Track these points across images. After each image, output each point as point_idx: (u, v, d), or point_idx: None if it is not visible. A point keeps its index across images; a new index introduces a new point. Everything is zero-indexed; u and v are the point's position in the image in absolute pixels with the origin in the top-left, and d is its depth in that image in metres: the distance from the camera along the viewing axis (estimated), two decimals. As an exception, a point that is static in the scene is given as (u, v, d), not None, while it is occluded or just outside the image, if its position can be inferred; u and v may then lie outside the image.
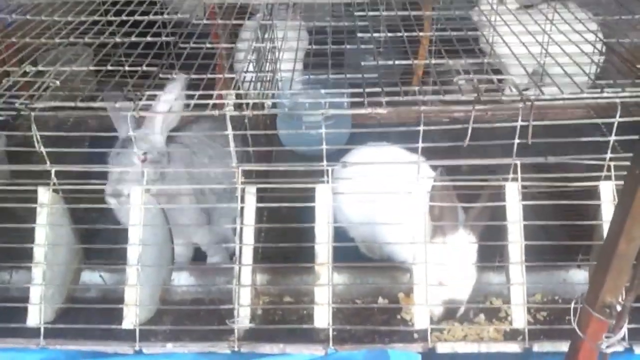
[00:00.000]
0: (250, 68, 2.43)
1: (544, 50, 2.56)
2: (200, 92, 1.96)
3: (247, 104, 1.96)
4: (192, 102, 1.94)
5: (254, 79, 2.47)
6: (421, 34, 2.78)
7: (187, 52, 2.26)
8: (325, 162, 2.00)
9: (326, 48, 2.37)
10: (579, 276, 2.23)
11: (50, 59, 2.33)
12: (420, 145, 1.94)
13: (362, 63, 2.15)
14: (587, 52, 2.32)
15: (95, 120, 3.37)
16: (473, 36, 2.46)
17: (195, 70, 2.12)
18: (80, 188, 2.09)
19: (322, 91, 2.04)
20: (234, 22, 2.70)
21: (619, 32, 2.57)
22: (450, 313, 2.01)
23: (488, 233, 2.05)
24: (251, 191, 2.03)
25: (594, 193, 2.03)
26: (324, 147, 1.97)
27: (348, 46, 2.40)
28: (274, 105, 2.69)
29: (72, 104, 1.97)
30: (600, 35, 2.79)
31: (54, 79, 2.06)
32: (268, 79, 2.81)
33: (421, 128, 1.90)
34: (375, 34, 2.38)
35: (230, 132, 1.97)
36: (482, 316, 2.13)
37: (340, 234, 2.26)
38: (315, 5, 3.01)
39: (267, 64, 2.85)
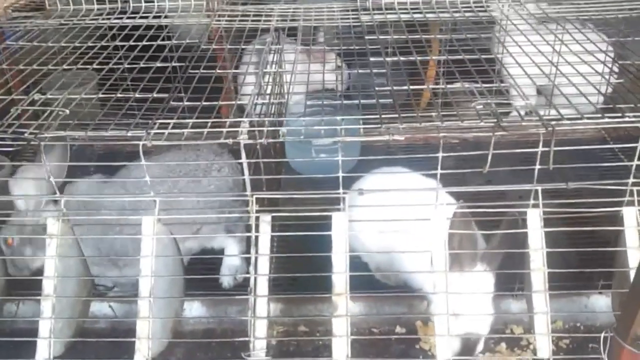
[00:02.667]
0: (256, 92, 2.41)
1: (554, 70, 2.54)
2: (213, 120, 1.94)
3: (261, 131, 1.93)
4: (205, 130, 1.90)
5: (264, 104, 2.45)
6: (433, 57, 2.75)
7: (194, 77, 2.25)
8: (341, 190, 1.95)
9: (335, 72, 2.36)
10: (600, 302, 2.19)
11: (57, 85, 2.31)
12: (439, 172, 1.90)
13: (376, 88, 2.12)
14: (599, 72, 2.30)
15: (101, 144, 3.34)
16: (485, 58, 2.43)
17: (201, 95, 2.10)
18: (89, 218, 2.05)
19: (338, 117, 1.99)
20: (243, 46, 2.68)
21: (632, 52, 2.55)
22: (467, 349, 1.95)
23: (507, 259, 2.01)
24: (266, 219, 1.98)
25: (614, 218, 1.99)
26: (340, 174, 1.93)
27: (360, 70, 2.40)
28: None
29: (82, 133, 1.94)
30: (611, 55, 2.77)
31: (62, 107, 2.04)
32: (277, 103, 2.78)
33: (440, 155, 1.86)
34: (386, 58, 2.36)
35: (244, 160, 1.93)
36: (503, 345, 2.08)
37: (352, 261, 2.21)
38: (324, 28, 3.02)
39: (276, 88, 2.83)
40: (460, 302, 1.91)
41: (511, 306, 2.15)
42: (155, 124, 1.94)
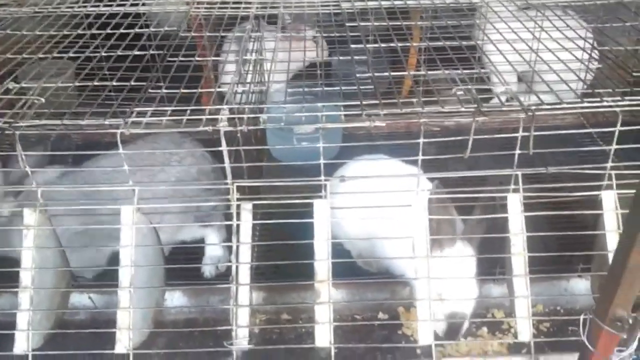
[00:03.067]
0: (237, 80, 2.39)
1: (535, 57, 2.55)
2: (192, 107, 1.92)
3: (242, 119, 1.92)
4: (185, 117, 1.88)
5: (244, 92, 2.42)
6: (414, 44, 2.74)
7: (174, 65, 2.22)
8: (323, 177, 1.95)
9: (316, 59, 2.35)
10: (580, 286, 2.21)
11: (32, 74, 2.26)
12: (420, 157, 1.90)
13: (357, 75, 2.11)
14: (579, 58, 2.32)
15: (79, 135, 3.29)
16: (466, 45, 2.43)
17: (180, 84, 2.07)
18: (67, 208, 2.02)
19: (319, 104, 1.98)
20: (222, 34, 2.65)
21: (610, 39, 2.57)
22: (453, 331, 1.97)
23: (488, 244, 2.03)
24: (247, 208, 1.97)
25: (593, 202, 2.01)
26: (322, 161, 1.92)
27: (340, 57, 2.38)
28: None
29: (58, 122, 1.90)
30: (591, 41, 2.79)
31: (37, 95, 2.00)
32: (258, 91, 2.76)
33: (421, 140, 1.86)
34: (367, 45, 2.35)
35: (224, 148, 1.91)
36: (484, 329, 2.10)
37: (334, 248, 2.21)
38: (305, 15, 2.99)
39: (256, 75, 2.80)
40: (444, 283, 1.92)
41: (492, 291, 2.17)
42: (132, 112, 1.92)
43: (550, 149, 2.00)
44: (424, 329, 1.90)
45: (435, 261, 1.94)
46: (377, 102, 1.90)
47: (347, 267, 2.29)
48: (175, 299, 2.23)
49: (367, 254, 2.37)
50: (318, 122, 1.94)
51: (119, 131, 1.87)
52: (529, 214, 1.95)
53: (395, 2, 2.79)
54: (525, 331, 1.89)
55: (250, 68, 2.62)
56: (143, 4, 2.86)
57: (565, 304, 2.20)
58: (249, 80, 2.53)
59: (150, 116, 1.97)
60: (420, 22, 2.89)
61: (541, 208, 2.09)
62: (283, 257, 2.02)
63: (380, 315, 2.18)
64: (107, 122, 1.93)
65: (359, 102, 1.90)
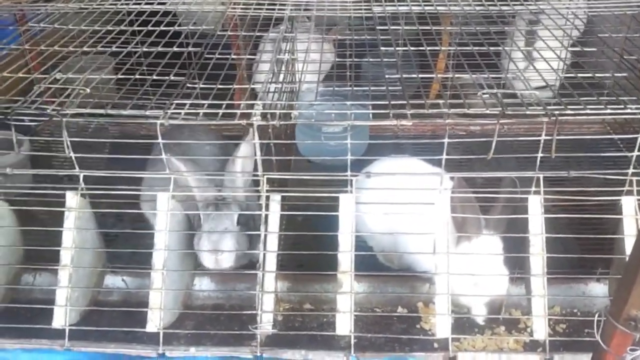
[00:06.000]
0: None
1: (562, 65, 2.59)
2: (227, 102, 2.01)
3: (273, 114, 2.01)
4: (220, 111, 1.98)
5: (276, 90, 2.52)
6: (442, 48, 2.81)
7: (210, 63, 2.32)
8: (349, 172, 2.03)
9: (347, 61, 2.44)
10: (598, 290, 2.24)
11: (76, 67, 2.38)
12: (444, 157, 1.96)
13: (386, 76, 2.19)
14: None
15: (116, 127, 3.42)
16: (493, 50, 2.49)
17: (215, 81, 2.17)
18: (106, 193, 2.13)
19: (348, 103, 2.06)
20: (257, 33, 2.75)
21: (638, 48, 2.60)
22: (494, 310, 2.03)
23: (508, 245, 2.08)
24: (276, 199, 2.06)
25: (614, 207, 2.05)
26: (349, 157, 2.00)
27: (371, 60, 2.46)
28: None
29: (102, 111, 2.02)
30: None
31: (82, 86, 2.13)
32: (290, 89, 2.85)
33: (446, 140, 1.93)
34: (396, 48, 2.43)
35: (257, 141, 2.01)
36: (502, 327, 2.15)
37: (358, 246, 2.28)
38: (337, 18, 3.08)
39: (288, 75, 2.89)
40: (476, 272, 1.99)
41: (510, 290, 2.21)
42: (172, 104, 2.02)
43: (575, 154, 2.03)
44: (442, 322, 1.96)
45: (464, 250, 2.00)
46: (404, 102, 1.98)
47: (370, 264, 2.36)
48: (204, 284, 2.33)
49: (389, 251, 2.43)
50: (347, 118, 2.02)
51: (158, 122, 1.98)
52: (549, 215, 2.00)
53: (426, 8, 2.86)
54: (540, 330, 1.95)
55: (283, 68, 2.72)
56: (183, 3, 2.98)
57: (583, 307, 2.23)
58: (281, 79, 2.63)
59: (187, 109, 2.09)
60: (450, 27, 2.94)
61: (561, 211, 2.13)
62: (308, 249, 2.10)
63: (400, 309, 2.24)
64: (147, 112, 2.04)
65: (386, 102, 1.98)
